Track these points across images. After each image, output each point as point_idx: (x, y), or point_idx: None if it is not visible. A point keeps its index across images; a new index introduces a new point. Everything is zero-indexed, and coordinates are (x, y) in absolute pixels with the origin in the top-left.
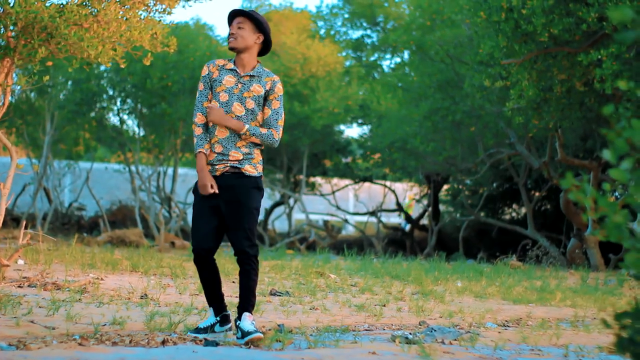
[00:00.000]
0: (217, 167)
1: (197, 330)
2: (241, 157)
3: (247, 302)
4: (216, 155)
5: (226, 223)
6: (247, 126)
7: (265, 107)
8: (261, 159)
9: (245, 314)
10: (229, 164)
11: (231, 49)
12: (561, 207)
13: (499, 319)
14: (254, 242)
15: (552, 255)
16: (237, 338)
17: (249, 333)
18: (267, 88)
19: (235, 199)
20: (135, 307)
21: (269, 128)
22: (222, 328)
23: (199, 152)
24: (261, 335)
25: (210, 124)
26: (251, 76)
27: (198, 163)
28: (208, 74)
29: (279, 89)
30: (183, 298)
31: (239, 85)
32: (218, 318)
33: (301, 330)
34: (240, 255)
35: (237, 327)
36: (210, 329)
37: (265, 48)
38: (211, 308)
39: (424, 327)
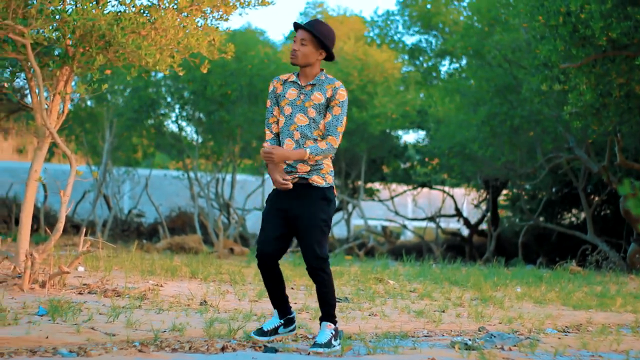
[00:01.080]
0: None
1: (261, 331)
2: (309, 169)
3: (324, 312)
4: (285, 166)
5: (297, 234)
6: (308, 150)
7: (327, 112)
8: (331, 169)
9: (325, 324)
10: (297, 175)
11: (292, 64)
12: (621, 212)
13: (559, 325)
14: (319, 255)
15: (612, 260)
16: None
17: (317, 345)
18: (328, 95)
19: (303, 211)
20: (194, 314)
21: (327, 136)
22: (286, 330)
23: None
24: (324, 351)
25: (279, 135)
26: (312, 85)
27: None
28: (273, 90)
29: (341, 94)
30: (242, 304)
31: (301, 96)
32: (282, 320)
33: (360, 336)
34: (307, 267)
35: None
36: (273, 331)
37: (328, 58)
38: (276, 310)
39: (484, 333)
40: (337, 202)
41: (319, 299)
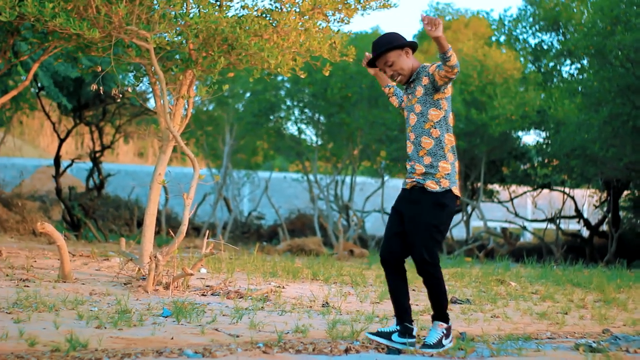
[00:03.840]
0: (407, 180)
1: (377, 333)
2: (423, 171)
3: (435, 311)
4: (408, 168)
5: (408, 237)
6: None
7: (436, 74)
8: (448, 172)
9: (436, 323)
10: (414, 179)
11: (404, 84)
12: None
13: None
14: (428, 260)
15: None
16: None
17: (426, 346)
18: (425, 83)
19: (414, 214)
20: (317, 315)
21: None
22: (401, 340)
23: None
24: (436, 351)
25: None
26: (413, 81)
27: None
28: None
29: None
30: (364, 306)
31: (409, 97)
32: (398, 327)
33: (483, 338)
34: (417, 268)
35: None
36: (387, 335)
37: (414, 49)
38: (395, 318)
39: (608, 335)
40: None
41: (430, 299)
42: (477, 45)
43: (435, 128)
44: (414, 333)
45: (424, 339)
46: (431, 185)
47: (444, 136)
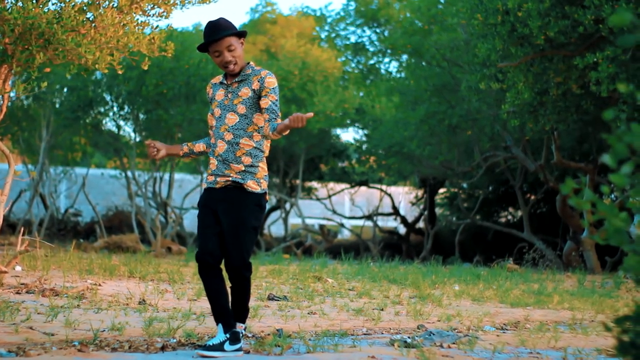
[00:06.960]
0: (218, 179)
1: (206, 347)
2: (242, 169)
3: (239, 315)
4: (217, 164)
5: (224, 237)
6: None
7: (263, 99)
8: (266, 174)
9: (236, 324)
10: (230, 178)
11: (234, 75)
12: (557, 210)
13: (497, 322)
14: (249, 262)
15: (548, 258)
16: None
17: (206, 347)
18: (255, 87)
19: (235, 216)
20: (133, 313)
21: (274, 119)
22: (233, 347)
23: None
24: (218, 356)
25: (212, 139)
26: (239, 82)
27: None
28: (207, 95)
29: (269, 82)
30: (181, 303)
31: (229, 95)
32: (228, 335)
33: (300, 334)
34: (234, 273)
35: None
36: (220, 346)
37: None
38: (220, 324)
39: (422, 330)
40: (274, 201)
41: (238, 305)
42: (299, 43)
43: (258, 133)
44: (242, 336)
45: (215, 340)
46: (252, 186)
47: (263, 141)
